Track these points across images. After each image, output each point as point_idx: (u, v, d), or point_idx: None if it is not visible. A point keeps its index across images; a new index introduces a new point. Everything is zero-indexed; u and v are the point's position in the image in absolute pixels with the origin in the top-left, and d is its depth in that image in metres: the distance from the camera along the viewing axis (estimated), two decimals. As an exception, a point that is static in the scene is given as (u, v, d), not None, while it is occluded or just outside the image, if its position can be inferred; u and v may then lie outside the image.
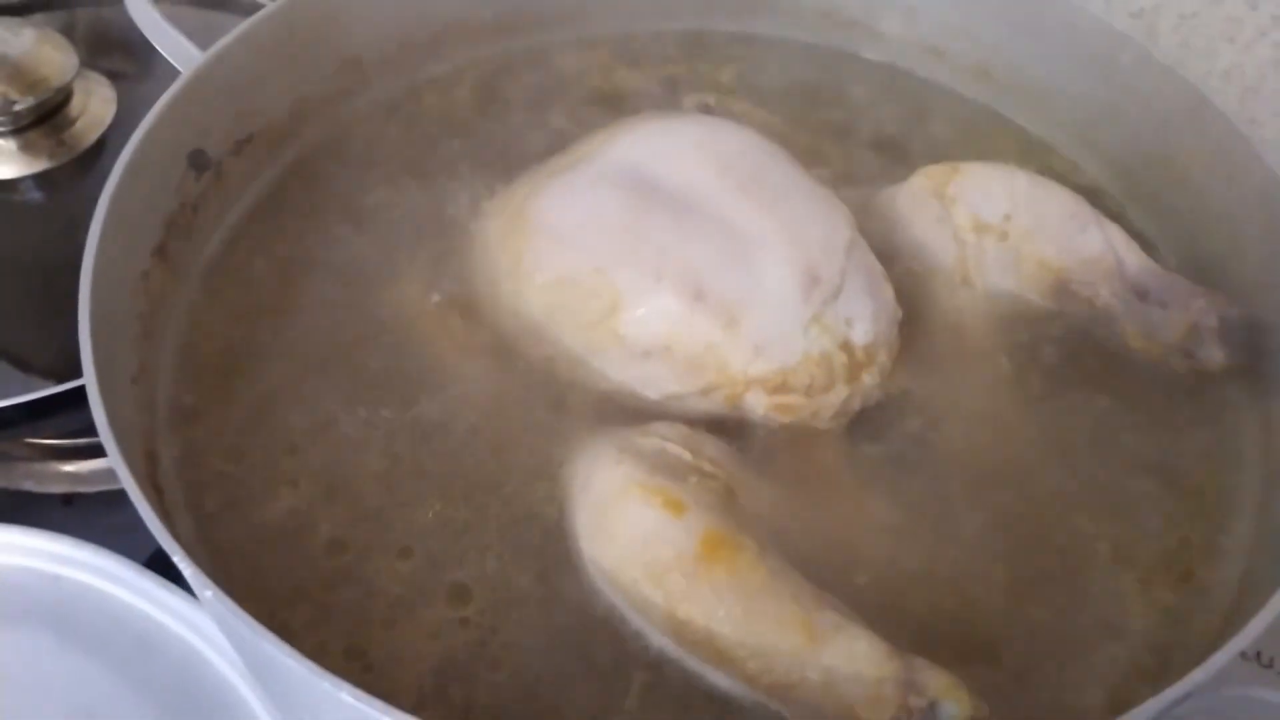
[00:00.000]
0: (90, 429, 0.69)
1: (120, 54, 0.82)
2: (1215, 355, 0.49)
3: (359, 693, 0.31)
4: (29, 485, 0.71)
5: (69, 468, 0.71)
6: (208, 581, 0.33)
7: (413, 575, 0.44)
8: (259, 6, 0.84)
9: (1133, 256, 0.51)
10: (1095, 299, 0.51)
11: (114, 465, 0.37)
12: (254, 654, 0.40)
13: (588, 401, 0.49)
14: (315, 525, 0.45)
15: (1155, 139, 0.56)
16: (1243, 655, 0.60)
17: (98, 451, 0.72)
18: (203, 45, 0.54)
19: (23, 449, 0.71)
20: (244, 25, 0.54)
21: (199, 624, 0.55)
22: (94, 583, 0.57)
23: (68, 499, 0.71)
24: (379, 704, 0.30)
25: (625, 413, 0.49)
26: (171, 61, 0.55)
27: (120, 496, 0.69)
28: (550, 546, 0.45)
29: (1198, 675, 0.33)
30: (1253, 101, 0.62)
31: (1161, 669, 0.40)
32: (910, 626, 0.42)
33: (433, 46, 0.63)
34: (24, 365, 0.69)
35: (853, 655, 0.39)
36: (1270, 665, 0.58)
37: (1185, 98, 0.54)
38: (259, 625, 0.32)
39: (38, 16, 0.84)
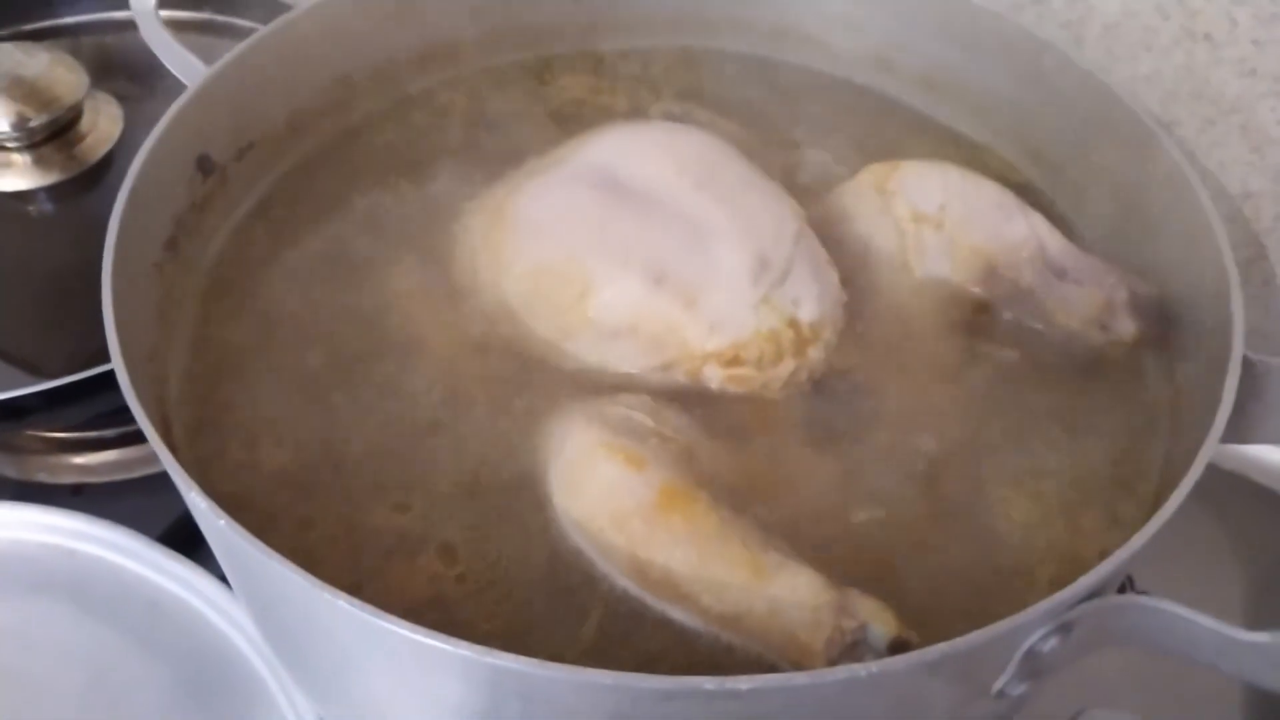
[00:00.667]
0: (98, 420, 0.74)
1: (126, 76, 0.87)
2: (1128, 327, 0.54)
3: (355, 600, 0.35)
4: (42, 476, 0.75)
5: (79, 460, 0.76)
6: (220, 511, 0.38)
7: (405, 532, 0.48)
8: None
9: (1053, 240, 0.56)
10: (1020, 280, 0.56)
11: (135, 416, 0.41)
12: (258, 584, 0.44)
13: (562, 379, 0.54)
14: (313, 493, 0.50)
15: (1077, 136, 0.61)
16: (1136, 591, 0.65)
17: (105, 444, 0.77)
18: (207, 63, 0.59)
19: (36, 443, 0.76)
20: (244, 44, 0.59)
21: (205, 590, 0.60)
22: (107, 556, 0.62)
23: (77, 489, 0.75)
24: (371, 609, 0.35)
25: (596, 387, 0.53)
26: (179, 76, 0.60)
27: (125, 485, 0.75)
28: (529, 503, 0.49)
29: (1081, 583, 0.37)
30: (1172, 104, 0.67)
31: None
32: (847, 564, 0.46)
33: (419, 64, 0.68)
34: (37, 367, 0.73)
35: (794, 587, 0.44)
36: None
37: (1102, 99, 0.59)
38: (264, 546, 0.37)
39: (50, 41, 0.90)
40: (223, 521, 0.37)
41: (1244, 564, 0.71)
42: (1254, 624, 0.66)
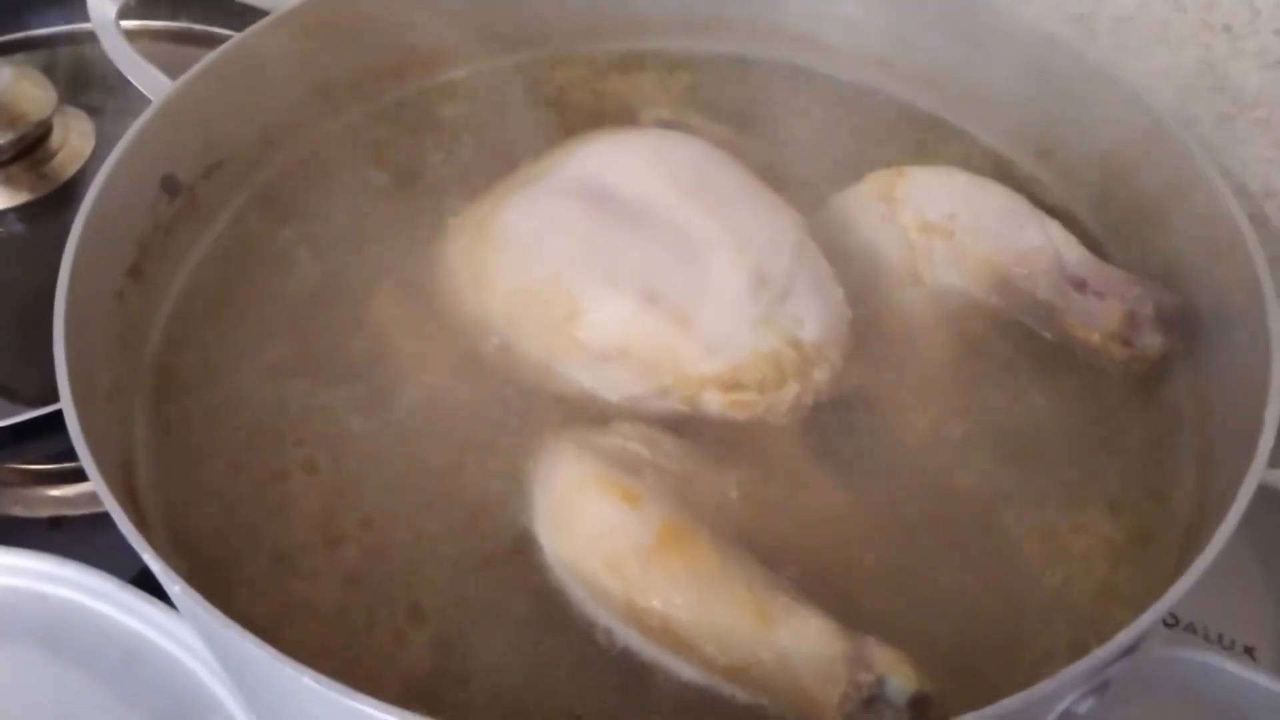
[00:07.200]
0: (74, 452, 0.71)
1: (98, 89, 0.84)
2: (1152, 342, 0.51)
3: (319, 676, 0.32)
4: (17, 510, 0.72)
5: (55, 492, 0.73)
6: (175, 577, 0.35)
7: (383, 578, 0.46)
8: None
9: (1070, 250, 0.53)
10: (1036, 291, 0.53)
11: (85, 467, 0.38)
12: (223, 647, 0.41)
13: (551, 406, 0.51)
14: (286, 531, 0.47)
15: (1092, 137, 0.58)
16: (1181, 627, 0.62)
17: (83, 476, 0.73)
18: (176, 77, 0.56)
19: (11, 475, 0.73)
20: (212, 55, 0.56)
21: (181, 635, 0.57)
22: (79, 599, 0.59)
23: (55, 522, 0.72)
24: (339, 686, 0.32)
25: (588, 415, 0.50)
26: (144, 91, 0.57)
27: (105, 519, 0.71)
28: (516, 543, 0.46)
29: (1119, 640, 0.34)
30: (1189, 99, 0.64)
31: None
32: (861, 608, 0.44)
33: (397, 72, 0.65)
34: (10, 393, 0.71)
35: (804, 635, 0.41)
36: (1210, 637, 0.61)
37: (1118, 96, 0.56)
38: (223, 616, 0.34)
39: (18, 55, 0.87)
40: (178, 587, 0.34)
41: (1272, 577, 0.68)
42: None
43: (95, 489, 0.38)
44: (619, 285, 0.50)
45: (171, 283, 0.55)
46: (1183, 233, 0.53)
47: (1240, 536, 0.68)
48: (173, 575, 0.35)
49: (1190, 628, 0.65)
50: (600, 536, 0.44)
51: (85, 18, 0.88)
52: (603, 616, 0.43)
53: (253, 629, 0.41)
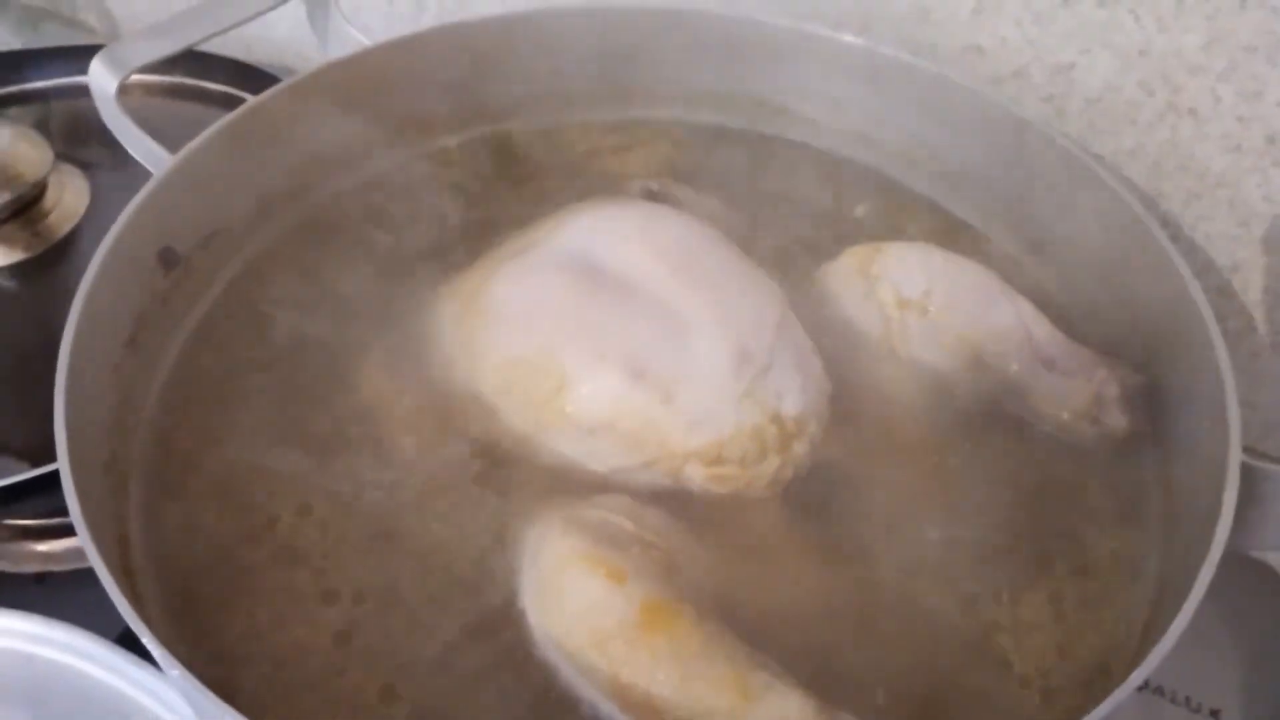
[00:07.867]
0: (62, 510, 0.71)
1: (94, 144, 0.85)
2: (1119, 422, 0.53)
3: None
4: (3, 565, 0.72)
5: (42, 547, 0.73)
6: (174, 661, 0.36)
7: (374, 650, 0.47)
8: (233, 96, 0.89)
9: (1040, 328, 0.55)
10: (1008, 369, 0.55)
11: (89, 555, 0.39)
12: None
13: (538, 477, 0.52)
14: (280, 605, 0.48)
15: (1061, 216, 0.60)
16: (1150, 690, 0.63)
17: (69, 531, 0.73)
18: (176, 136, 0.57)
19: (-3, 530, 0.73)
20: (208, 131, 0.57)
21: (169, 699, 0.57)
22: (66, 660, 0.59)
23: (40, 577, 0.72)
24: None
25: (573, 487, 0.51)
26: (143, 163, 0.58)
27: (91, 575, 0.71)
28: (502, 616, 0.47)
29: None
30: (1157, 178, 0.66)
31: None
32: (839, 681, 0.45)
33: (390, 140, 0.67)
34: (2, 448, 0.71)
35: (783, 713, 0.42)
36: (1177, 700, 0.62)
37: (1084, 177, 0.58)
38: (224, 704, 0.35)
39: (14, 110, 0.88)
40: (176, 672, 0.35)
41: (1238, 639, 0.70)
42: (1250, 704, 0.65)
43: (98, 575, 0.39)
44: (607, 360, 0.52)
45: (167, 351, 0.56)
46: (1148, 314, 0.55)
47: (1207, 600, 0.70)
48: (172, 660, 0.36)
49: (1159, 690, 0.66)
50: (586, 613, 0.45)
51: (82, 71, 0.90)
52: (587, 692, 0.44)
53: (245, 701, 0.42)
